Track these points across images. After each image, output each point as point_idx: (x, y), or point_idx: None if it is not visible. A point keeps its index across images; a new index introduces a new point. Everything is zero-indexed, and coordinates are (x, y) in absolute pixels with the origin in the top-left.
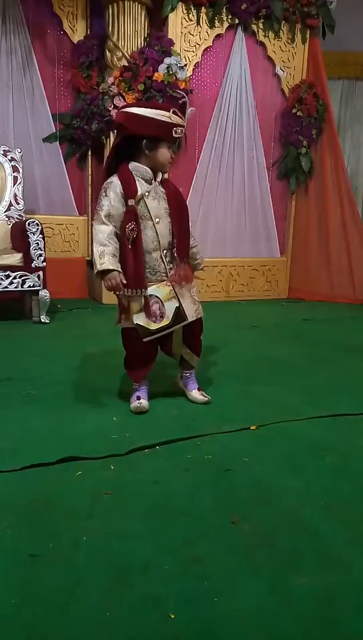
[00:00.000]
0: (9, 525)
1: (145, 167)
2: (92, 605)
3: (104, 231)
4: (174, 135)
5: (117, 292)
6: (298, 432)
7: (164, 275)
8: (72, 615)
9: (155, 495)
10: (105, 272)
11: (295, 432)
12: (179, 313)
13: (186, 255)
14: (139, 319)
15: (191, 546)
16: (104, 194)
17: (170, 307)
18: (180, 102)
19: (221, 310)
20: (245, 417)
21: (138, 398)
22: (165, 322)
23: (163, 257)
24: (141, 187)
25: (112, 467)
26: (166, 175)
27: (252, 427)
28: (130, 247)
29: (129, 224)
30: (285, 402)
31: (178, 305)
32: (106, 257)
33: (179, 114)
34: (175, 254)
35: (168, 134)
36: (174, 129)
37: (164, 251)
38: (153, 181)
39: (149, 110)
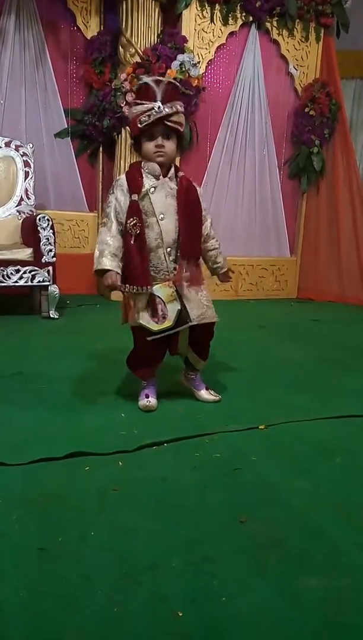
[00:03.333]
0: (17, 519)
1: (152, 163)
2: (99, 602)
3: (108, 229)
4: (139, 126)
5: (120, 289)
6: (307, 433)
7: (168, 274)
8: (79, 611)
9: (163, 493)
10: (104, 272)
11: (304, 433)
12: (181, 315)
13: (193, 256)
14: (143, 318)
15: (199, 545)
16: (111, 191)
17: (172, 309)
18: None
19: (229, 309)
20: (253, 416)
21: (147, 396)
22: (167, 324)
23: (166, 255)
24: (148, 182)
25: (120, 463)
26: (180, 172)
27: (261, 427)
28: (133, 243)
29: (131, 219)
30: (294, 403)
31: (179, 307)
32: (104, 257)
33: (141, 99)
34: (178, 254)
35: (135, 129)
36: (138, 118)
37: (168, 249)
38: (161, 177)
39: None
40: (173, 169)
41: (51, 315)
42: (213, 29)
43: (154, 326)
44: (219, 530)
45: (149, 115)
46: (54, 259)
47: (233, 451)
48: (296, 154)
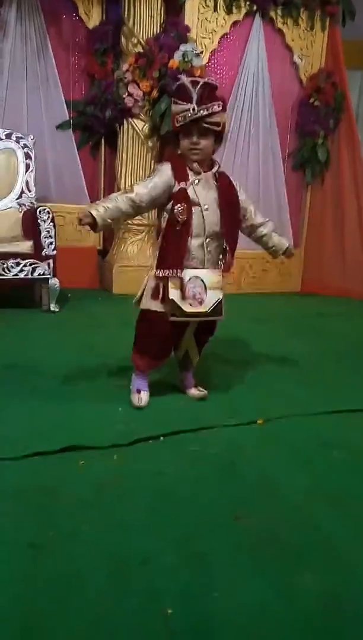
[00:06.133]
0: (9, 514)
1: (194, 164)
2: (90, 598)
3: (124, 193)
4: (176, 124)
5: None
6: (306, 427)
7: (201, 263)
8: (71, 608)
9: (158, 487)
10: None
11: (303, 427)
12: (218, 306)
13: (232, 248)
14: (175, 296)
15: (193, 540)
16: (152, 174)
17: (213, 296)
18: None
19: (232, 302)
20: (252, 410)
21: (138, 392)
22: (203, 309)
23: (205, 244)
24: (192, 175)
25: (115, 457)
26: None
27: (259, 421)
28: (177, 228)
29: (179, 204)
30: (294, 397)
31: (221, 298)
32: (100, 204)
33: (179, 99)
34: (222, 244)
35: (173, 126)
36: (175, 117)
37: (208, 239)
38: (202, 172)
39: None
40: (216, 167)
41: (52, 309)
42: (217, 18)
43: (187, 307)
44: (215, 526)
45: (184, 117)
46: (55, 252)
47: (231, 445)
48: (300, 145)
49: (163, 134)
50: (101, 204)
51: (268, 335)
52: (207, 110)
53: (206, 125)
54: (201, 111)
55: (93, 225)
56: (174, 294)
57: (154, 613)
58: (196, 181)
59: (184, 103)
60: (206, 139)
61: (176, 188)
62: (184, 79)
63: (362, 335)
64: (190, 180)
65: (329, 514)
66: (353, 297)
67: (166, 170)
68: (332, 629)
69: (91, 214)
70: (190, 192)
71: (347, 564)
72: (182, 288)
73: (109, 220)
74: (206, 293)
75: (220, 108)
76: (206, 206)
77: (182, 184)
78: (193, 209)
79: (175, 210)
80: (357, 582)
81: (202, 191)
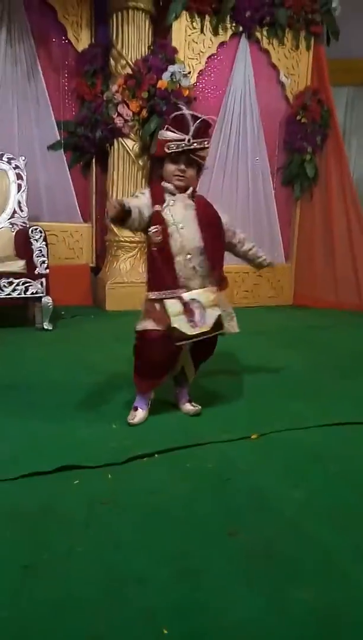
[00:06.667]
0: (4, 534)
1: (170, 186)
2: (84, 619)
3: (131, 201)
4: (166, 150)
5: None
6: (300, 441)
7: (189, 280)
8: (63, 629)
9: (152, 505)
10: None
11: (297, 441)
12: (218, 321)
13: (217, 263)
14: (178, 322)
15: (187, 557)
16: (133, 195)
17: (212, 314)
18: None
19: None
20: (246, 425)
21: (135, 409)
22: (205, 328)
23: (186, 262)
24: (168, 198)
25: (109, 476)
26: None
27: (253, 436)
28: (155, 249)
29: (154, 227)
30: (288, 410)
31: (219, 313)
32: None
33: (174, 128)
34: (207, 261)
35: (161, 150)
36: (166, 144)
37: (189, 256)
38: (177, 193)
39: (160, 131)
40: (190, 189)
41: (45, 327)
42: (204, 40)
43: (190, 330)
44: (209, 542)
45: (177, 145)
46: (47, 270)
47: (225, 461)
48: (289, 161)
49: (153, 153)
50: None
51: (261, 348)
52: (199, 144)
53: (193, 157)
54: (195, 144)
55: (121, 218)
56: (175, 320)
57: (150, 633)
58: (171, 201)
59: (180, 133)
60: (191, 168)
61: (152, 211)
62: (186, 111)
63: (356, 348)
64: (165, 203)
65: (324, 528)
66: (345, 308)
67: (148, 194)
68: None
69: (122, 204)
70: (165, 213)
71: (342, 577)
72: (186, 310)
73: (135, 212)
74: (205, 312)
75: (209, 144)
76: (180, 225)
77: (157, 207)
78: (168, 229)
79: (149, 233)
80: (352, 596)
81: (178, 211)
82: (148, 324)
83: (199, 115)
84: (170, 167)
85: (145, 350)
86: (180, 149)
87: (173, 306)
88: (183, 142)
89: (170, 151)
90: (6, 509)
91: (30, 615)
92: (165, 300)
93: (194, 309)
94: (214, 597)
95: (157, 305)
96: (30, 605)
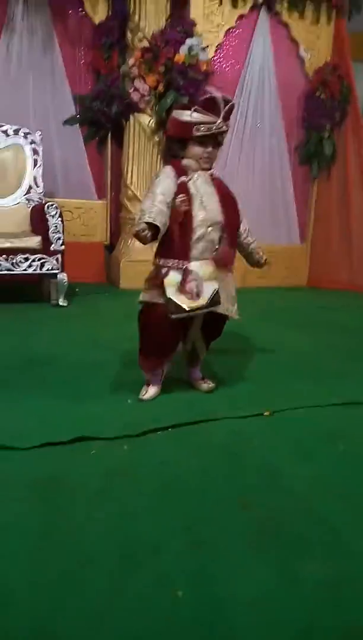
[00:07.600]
0: (21, 503)
1: (192, 164)
2: (101, 584)
3: (152, 199)
4: (195, 133)
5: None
6: (311, 419)
7: (207, 253)
8: (82, 594)
9: (166, 477)
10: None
11: (308, 419)
12: (216, 296)
13: (234, 240)
14: (173, 294)
15: (200, 528)
16: (156, 177)
17: (209, 288)
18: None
19: (238, 297)
20: (259, 402)
21: (147, 384)
22: (201, 302)
23: (207, 234)
24: (190, 173)
25: (125, 447)
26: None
27: (265, 413)
28: (179, 219)
29: (180, 196)
30: (300, 389)
31: (217, 288)
32: (146, 215)
33: (205, 111)
34: (227, 237)
35: (188, 132)
36: (196, 126)
37: (210, 228)
38: (200, 170)
39: (177, 112)
40: (213, 169)
41: (60, 303)
42: (222, 12)
43: (186, 303)
44: (221, 514)
45: (208, 128)
46: (63, 247)
47: (237, 437)
48: (307, 139)
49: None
50: (144, 217)
51: (274, 328)
52: (227, 127)
53: (220, 138)
54: (224, 127)
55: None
56: (170, 291)
57: (165, 595)
58: (196, 175)
59: (212, 115)
60: (215, 150)
61: (173, 184)
62: (217, 95)
63: None
64: (189, 176)
65: (333, 505)
66: (360, 290)
67: (170, 171)
68: (334, 615)
69: (148, 223)
70: (189, 185)
71: (349, 552)
72: (183, 281)
73: (164, 215)
74: (202, 285)
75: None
76: (205, 197)
77: (183, 178)
78: (193, 200)
79: (177, 201)
80: (359, 570)
81: (201, 185)
82: (150, 296)
83: (229, 98)
84: (197, 150)
85: (150, 326)
86: (212, 132)
87: (173, 276)
88: (213, 125)
89: (200, 134)
90: (24, 479)
91: (49, 580)
92: (171, 270)
93: (191, 280)
94: (227, 567)
95: (162, 274)
96: (49, 570)
